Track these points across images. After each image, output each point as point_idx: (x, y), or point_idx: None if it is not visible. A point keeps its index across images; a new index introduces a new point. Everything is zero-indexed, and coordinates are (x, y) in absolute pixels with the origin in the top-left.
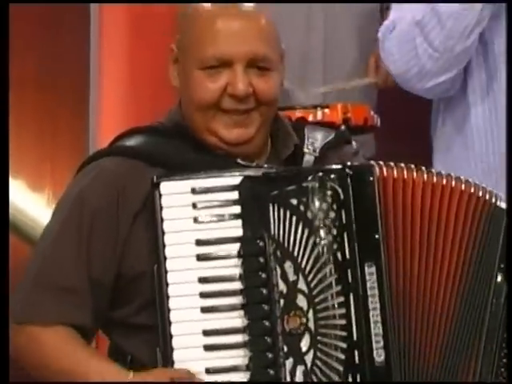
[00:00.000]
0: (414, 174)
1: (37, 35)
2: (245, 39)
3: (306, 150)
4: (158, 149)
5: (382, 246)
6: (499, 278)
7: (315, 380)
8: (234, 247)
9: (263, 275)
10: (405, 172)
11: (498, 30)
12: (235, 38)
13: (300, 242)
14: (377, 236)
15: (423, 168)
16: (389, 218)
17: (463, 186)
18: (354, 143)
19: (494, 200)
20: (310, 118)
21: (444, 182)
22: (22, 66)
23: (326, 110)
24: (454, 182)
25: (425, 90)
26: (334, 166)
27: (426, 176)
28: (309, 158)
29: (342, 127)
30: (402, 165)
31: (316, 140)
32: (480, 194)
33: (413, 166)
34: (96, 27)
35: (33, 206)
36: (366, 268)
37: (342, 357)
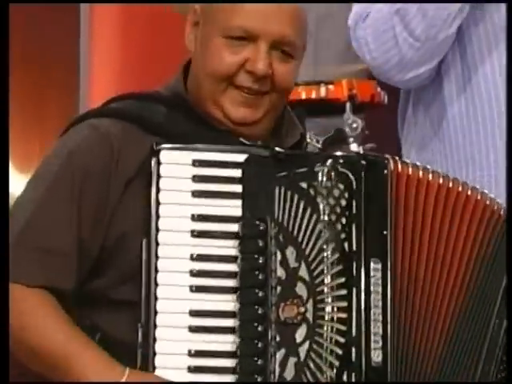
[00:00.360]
0: (430, 175)
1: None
2: (277, 18)
3: (308, 139)
4: (154, 115)
5: (389, 243)
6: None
7: (307, 373)
8: (232, 227)
9: (261, 259)
10: (420, 171)
11: (476, 20)
12: (267, 15)
13: (306, 228)
14: (385, 232)
15: (439, 171)
16: (399, 216)
17: (479, 196)
18: (359, 121)
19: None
20: (313, 95)
21: (460, 188)
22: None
23: (331, 87)
24: (469, 191)
25: (404, 82)
26: (348, 154)
27: (441, 179)
28: (312, 149)
29: (348, 105)
30: (418, 163)
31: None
32: (495, 207)
33: (429, 167)
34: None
35: (20, 187)
36: (371, 263)
37: (339, 352)
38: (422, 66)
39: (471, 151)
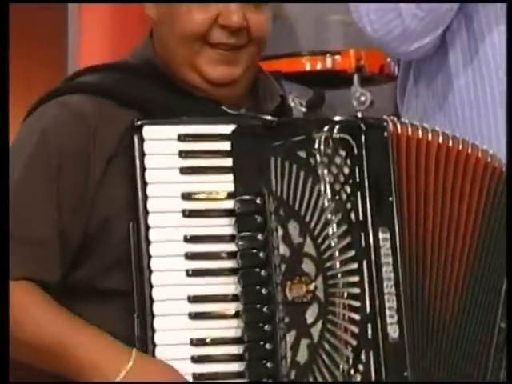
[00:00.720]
0: (429, 134)
1: None
2: None
3: (292, 103)
4: (128, 87)
5: (395, 210)
6: None
7: (323, 355)
8: (227, 204)
9: (260, 236)
10: (419, 131)
11: None
12: None
13: (308, 200)
14: (390, 199)
15: (437, 129)
16: (402, 180)
17: (480, 154)
18: (368, 94)
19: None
20: (319, 66)
21: (460, 146)
22: None
23: (337, 57)
24: (470, 149)
25: (408, 53)
26: (346, 118)
27: (440, 138)
28: (297, 114)
29: (356, 77)
30: (417, 123)
31: (296, 96)
32: (496, 164)
33: (427, 125)
34: None
35: None
36: (379, 233)
37: (355, 330)
38: (426, 36)
39: (479, 124)
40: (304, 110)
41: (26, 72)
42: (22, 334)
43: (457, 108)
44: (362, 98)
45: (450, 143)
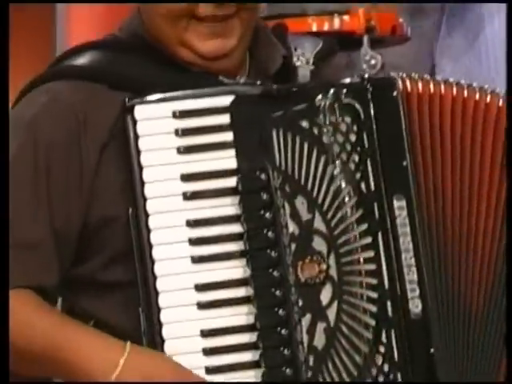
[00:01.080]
0: (442, 87)
1: None
2: None
3: (297, 62)
4: (117, 67)
5: (410, 174)
6: None
7: (341, 338)
8: (229, 182)
9: (267, 215)
10: (431, 85)
11: None
12: None
13: (315, 173)
14: (404, 163)
15: (451, 80)
16: (415, 141)
17: (500, 102)
18: (379, 57)
19: None
20: (326, 27)
21: (477, 96)
22: None
23: (345, 17)
24: (489, 98)
25: None
26: (350, 80)
27: (455, 90)
28: (304, 73)
29: (366, 38)
30: (427, 77)
31: (304, 50)
32: None
33: (439, 78)
34: None
35: None
36: (394, 201)
37: (374, 309)
38: None
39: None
40: (312, 67)
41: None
42: (16, 344)
43: (489, 53)
44: (373, 62)
45: (466, 94)
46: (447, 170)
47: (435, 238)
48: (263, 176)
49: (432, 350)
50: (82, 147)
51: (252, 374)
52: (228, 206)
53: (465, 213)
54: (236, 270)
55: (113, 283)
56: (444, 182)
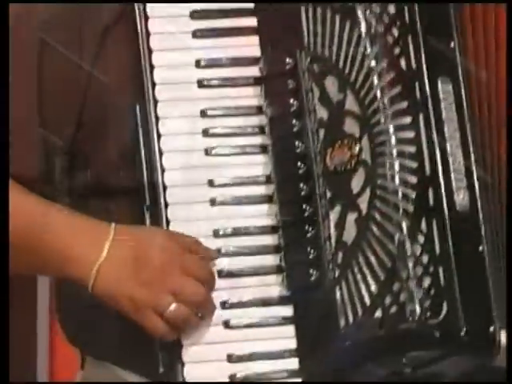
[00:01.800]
0: None
1: None
2: None
3: None
4: None
5: (458, 57)
6: None
7: (373, 228)
8: (251, 71)
9: (293, 101)
10: None
11: None
12: None
13: (347, 49)
14: (452, 44)
15: None
16: (465, 19)
17: None
18: None
19: None
20: None
21: None
22: None
23: None
24: None
25: None
26: None
27: None
28: None
29: None
30: None
31: None
32: None
33: None
34: None
35: None
36: (439, 84)
37: (412, 195)
38: None
39: None
40: None
41: None
42: None
43: None
44: None
45: None
46: (502, 52)
47: (487, 126)
48: (289, 61)
49: (481, 248)
50: (81, 29)
51: (272, 279)
52: (249, 97)
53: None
54: (256, 165)
55: (118, 187)
56: (499, 67)
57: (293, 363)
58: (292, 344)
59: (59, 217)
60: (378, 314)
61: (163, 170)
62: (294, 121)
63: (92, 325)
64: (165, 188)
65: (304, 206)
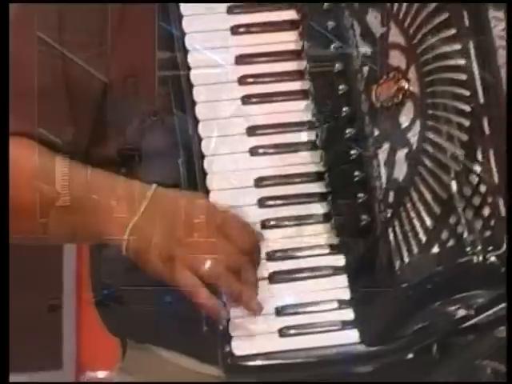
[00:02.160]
0: None
1: None
2: None
3: None
4: None
5: None
6: None
7: (426, 161)
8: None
9: (334, 40)
10: None
11: None
12: None
13: None
14: None
15: None
16: None
17: None
18: None
19: None
20: None
21: None
22: None
23: None
24: None
25: None
26: None
27: None
28: None
29: None
30: None
31: None
32: None
33: None
34: None
35: None
36: (490, 11)
37: (466, 123)
38: None
39: None
40: None
41: None
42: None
43: None
44: None
45: None
46: None
47: None
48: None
49: None
50: None
51: (320, 228)
52: (289, 42)
53: None
54: (298, 112)
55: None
56: None
57: (347, 314)
58: (345, 295)
59: (100, 177)
60: (435, 249)
61: (197, 122)
62: (335, 64)
63: (132, 311)
64: (200, 140)
65: (350, 148)
